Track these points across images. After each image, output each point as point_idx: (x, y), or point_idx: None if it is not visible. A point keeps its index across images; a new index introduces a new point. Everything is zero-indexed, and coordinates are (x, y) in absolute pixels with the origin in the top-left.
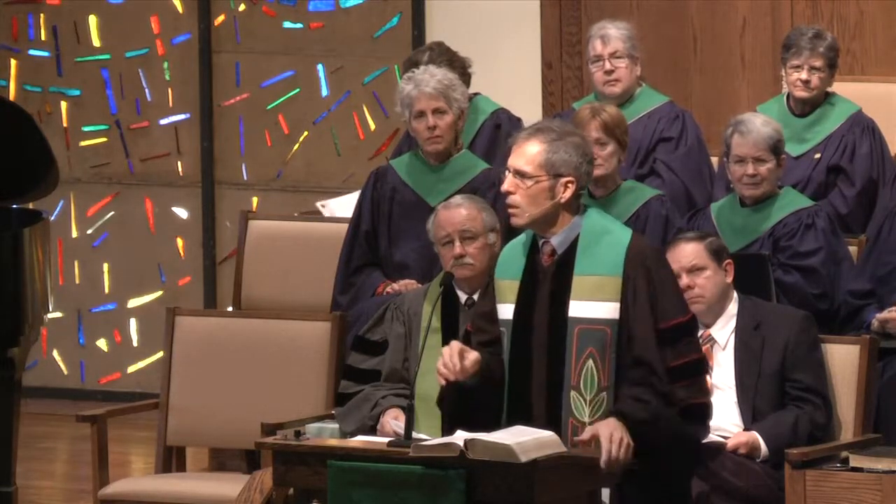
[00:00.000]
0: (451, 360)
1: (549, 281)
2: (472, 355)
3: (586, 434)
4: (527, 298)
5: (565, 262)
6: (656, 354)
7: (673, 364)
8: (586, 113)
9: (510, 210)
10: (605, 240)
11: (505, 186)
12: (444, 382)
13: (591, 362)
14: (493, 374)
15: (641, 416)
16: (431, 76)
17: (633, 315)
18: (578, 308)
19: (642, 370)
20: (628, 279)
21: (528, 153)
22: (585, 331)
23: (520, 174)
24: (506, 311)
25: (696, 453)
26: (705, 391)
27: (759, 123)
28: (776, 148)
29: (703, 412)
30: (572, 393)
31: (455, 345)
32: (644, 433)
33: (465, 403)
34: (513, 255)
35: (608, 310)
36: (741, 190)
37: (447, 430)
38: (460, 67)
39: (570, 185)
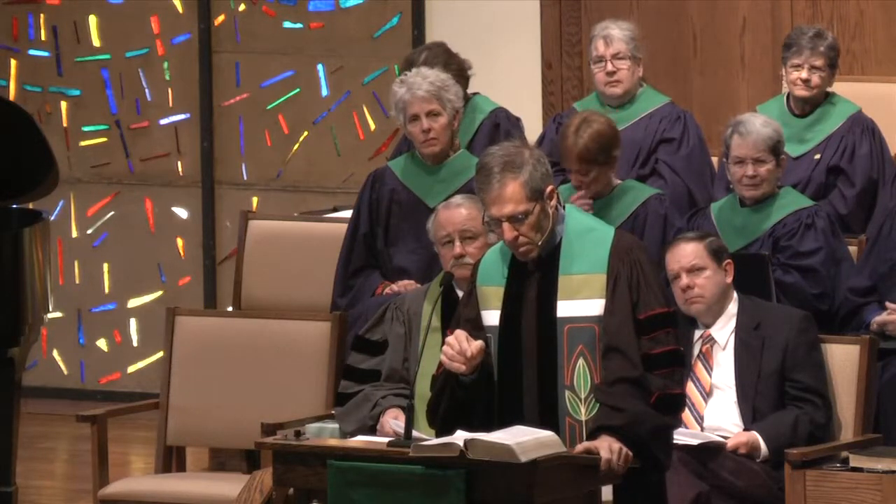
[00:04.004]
0: (460, 346)
1: (534, 283)
2: (477, 343)
3: (580, 449)
4: (513, 303)
5: (549, 263)
6: (632, 342)
7: (651, 352)
8: (566, 143)
9: (522, 249)
10: (588, 238)
11: (507, 237)
12: (463, 369)
13: (581, 360)
14: (486, 371)
15: (618, 424)
16: (423, 78)
17: (609, 306)
18: (566, 308)
19: (615, 360)
20: (612, 274)
21: (512, 195)
22: (574, 329)
23: (516, 218)
24: (492, 317)
25: (670, 443)
26: (681, 382)
27: (759, 124)
28: (776, 149)
29: (677, 403)
30: (567, 393)
31: (460, 333)
32: (625, 438)
33: (459, 408)
34: (494, 261)
35: (595, 307)
36: (741, 191)
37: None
38: (457, 69)
39: (553, 192)
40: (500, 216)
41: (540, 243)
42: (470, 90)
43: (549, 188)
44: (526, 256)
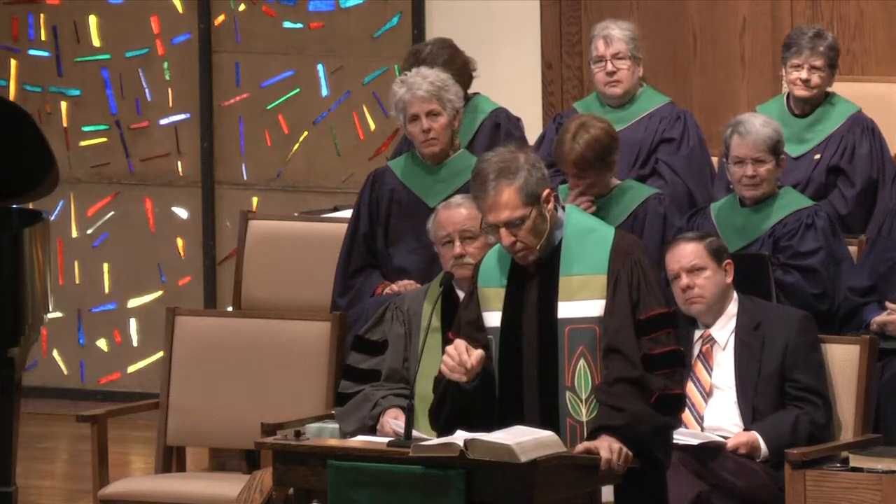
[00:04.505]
0: (460, 357)
1: (535, 285)
2: (477, 352)
3: (580, 449)
4: (514, 304)
5: (550, 264)
6: (632, 342)
7: (651, 353)
8: (563, 149)
9: (521, 254)
10: (589, 239)
11: (505, 243)
12: (464, 379)
13: (582, 361)
14: (488, 376)
15: (618, 424)
16: (423, 78)
17: (609, 306)
18: (566, 309)
19: (616, 360)
20: (612, 275)
21: (508, 201)
22: (575, 331)
23: (512, 224)
24: (493, 318)
25: (670, 442)
26: (681, 382)
27: (759, 124)
28: (776, 148)
29: (677, 403)
30: (567, 393)
31: (460, 343)
32: (625, 438)
33: (461, 414)
34: (495, 262)
35: (595, 308)
36: (741, 191)
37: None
38: (460, 65)
39: (549, 195)
40: (496, 222)
41: (538, 247)
42: (470, 90)
43: (546, 192)
44: (525, 261)
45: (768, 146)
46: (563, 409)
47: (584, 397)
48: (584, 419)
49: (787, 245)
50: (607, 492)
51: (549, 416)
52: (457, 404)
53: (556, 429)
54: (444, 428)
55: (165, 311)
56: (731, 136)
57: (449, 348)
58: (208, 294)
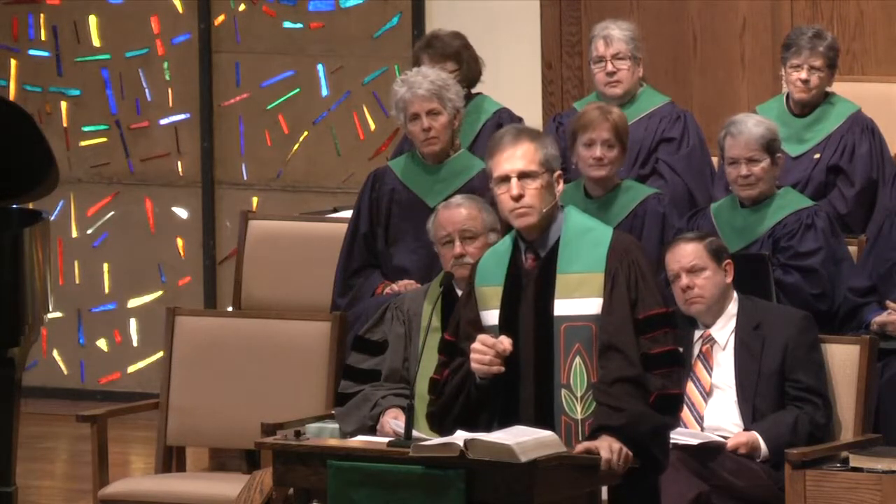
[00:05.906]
0: (493, 347)
1: (532, 283)
2: (504, 338)
3: (580, 449)
4: (511, 302)
5: (548, 262)
6: (631, 341)
7: (650, 352)
8: (596, 114)
9: (522, 210)
10: (587, 238)
11: (514, 192)
12: (503, 370)
13: (578, 359)
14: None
15: (618, 424)
16: (424, 77)
17: (607, 305)
18: (563, 306)
19: (614, 359)
20: (610, 274)
21: (525, 153)
22: (571, 328)
23: (525, 175)
24: (491, 317)
25: (667, 442)
26: (679, 382)
27: (751, 124)
28: (770, 147)
29: (675, 403)
30: (563, 391)
31: (485, 337)
32: (625, 438)
33: (471, 412)
34: (493, 261)
35: (592, 306)
36: (737, 191)
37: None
38: (471, 57)
39: (560, 178)
40: (510, 171)
41: (540, 214)
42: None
43: (558, 172)
44: (524, 225)
45: (761, 145)
46: (557, 406)
47: (579, 395)
48: (579, 417)
49: (787, 245)
50: (603, 492)
51: (544, 414)
52: (472, 401)
53: (551, 426)
54: (450, 428)
55: (165, 311)
56: (724, 138)
57: (475, 346)
58: (208, 294)
